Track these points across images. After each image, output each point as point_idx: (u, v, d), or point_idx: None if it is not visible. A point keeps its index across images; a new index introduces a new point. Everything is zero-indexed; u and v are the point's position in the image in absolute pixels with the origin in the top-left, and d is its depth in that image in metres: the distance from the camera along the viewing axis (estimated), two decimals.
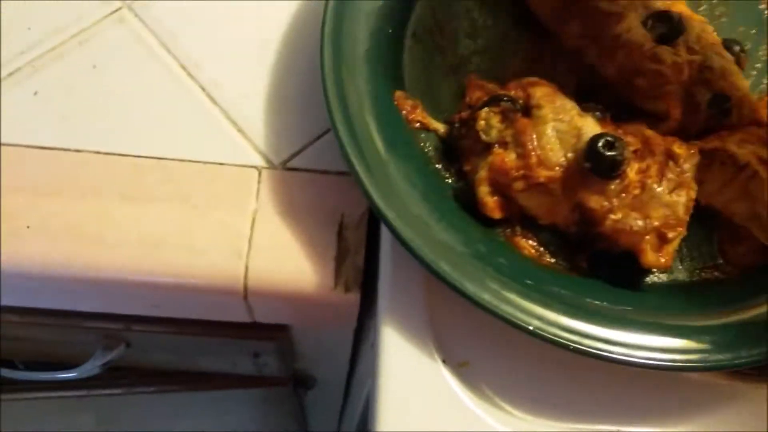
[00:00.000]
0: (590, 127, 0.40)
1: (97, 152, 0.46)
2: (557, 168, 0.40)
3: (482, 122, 0.42)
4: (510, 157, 0.40)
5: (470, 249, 0.40)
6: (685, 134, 0.43)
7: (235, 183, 0.46)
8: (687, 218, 0.40)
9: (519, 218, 0.42)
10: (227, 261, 0.44)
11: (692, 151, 0.40)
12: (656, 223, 0.39)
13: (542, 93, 0.42)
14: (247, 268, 0.44)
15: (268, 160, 0.47)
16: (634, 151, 0.40)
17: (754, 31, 0.51)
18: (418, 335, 0.41)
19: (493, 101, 0.42)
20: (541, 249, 0.42)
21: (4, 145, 0.46)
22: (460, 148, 0.44)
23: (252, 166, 0.47)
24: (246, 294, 0.44)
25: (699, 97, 0.44)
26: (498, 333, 0.40)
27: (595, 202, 0.39)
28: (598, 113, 0.42)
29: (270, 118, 0.48)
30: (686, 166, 0.40)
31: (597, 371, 0.40)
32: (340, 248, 0.44)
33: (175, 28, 0.51)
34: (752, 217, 0.43)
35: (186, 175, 0.46)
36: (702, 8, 0.51)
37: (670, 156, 0.40)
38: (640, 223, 0.38)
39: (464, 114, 0.44)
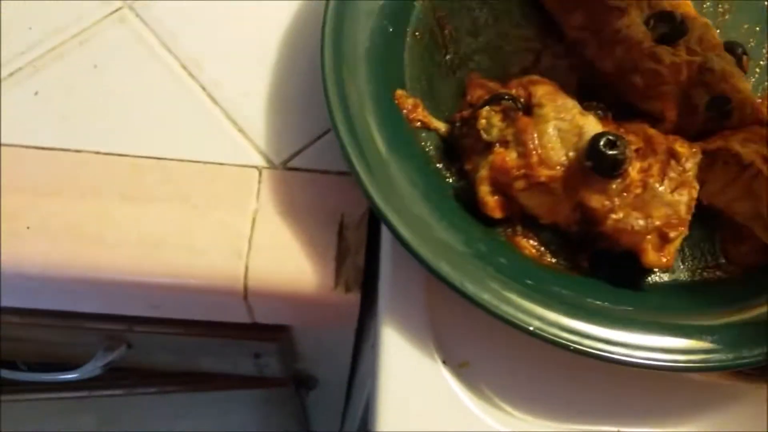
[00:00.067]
0: (592, 125, 0.40)
1: (97, 152, 0.46)
2: (558, 167, 0.40)
3: (483, 121, 0.42)
4: (511, 156, 0.40)
5: (471, 249, 0.40)
6: (683, 135, 0.42)
7: (236, 183, 0.46)
8: (689, 218, 0.40)
9: (520, 218, 0.42)
10: (227, 261, 0.44)
11: (694, 150, 0.40)
12: (658, 223, 0.38)
13: (543, 91, 0.42)
14: (247, 268, 0.43)
15: (268, 160, 0.47)
16: (636, 150, 0.40)
17: (758, 28, 0.51)
18: (418, 335, 0.40)
19: (495, 100, 0.42)
20: (542, 249, 0.42)
21: (4, 145, 0.46)
22: (461, 147, 0.44)
23: (252, 166, 0.47)
24: (246, 294, 0.44)
25: (697, 99, 0.43)
26: (498, 333, 0.40)
27: (596, 201, 0.39)
28: (599, 112, 0.42)
29: (270, 118, 0.48)
30: (688, 165, 0.39)
31: (598, 371, 0.40)
32: (340, 248, 0.44)
33: (175, 28, 0.51)
34: (755, 216, 0.43)
35: (186, 175, 0.46)
36: (707, 5, 0.51)
37: (672, 155, 0.40)
38: (641, 222, 0.38)
39: (465, 113, 0.44)
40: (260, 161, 0.47)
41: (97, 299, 0.48)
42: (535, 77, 0.44)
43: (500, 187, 0.41)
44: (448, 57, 0.47)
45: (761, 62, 0.49)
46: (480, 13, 0.49)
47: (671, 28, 0.45)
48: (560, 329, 0.38)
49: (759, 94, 0.48)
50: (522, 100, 0.42)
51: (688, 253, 0.43)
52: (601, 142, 0.38)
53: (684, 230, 0.39)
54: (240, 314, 0.47)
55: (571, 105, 0.41)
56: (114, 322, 0.54)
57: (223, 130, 0.48)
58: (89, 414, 0.77)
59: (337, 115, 0.41)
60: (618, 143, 0.38)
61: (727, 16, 0.51)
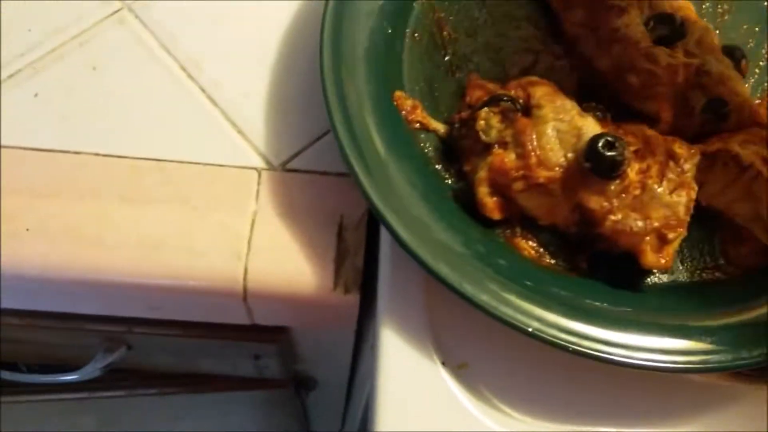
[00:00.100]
0: (590, 127, 0.40)
1: (97, 154, 0.46)
2: (557, 168, 0.40)
3: (482, 122, 0.42)
4: (510, 158, 0.40)
5: (470, 250, 0.40)
6: (680, 137, 0.42)
7: (235, 184, 0.46)
8: (687, 219, 0.39)
9: (519, 219, 0.42)
10: (226, 262, 0.44)
11: (693, 151, 0.40)
12: (656, 224, 0.38)
13: (542, 93, 0.42)
14: (246, 269, 0.43)
15: (267, 162, 0.47)
16: (635, 151, 0.40)
17: (757, 29, 0.51)
18: (417, 337, 0.40)
19: (493, 101, 0.42)
20: (541, 250, 0.42)
21: (4, 147, 0.46)
22: (459, 149, 0.43)
23: (252, 168, 0.47)
24: (245, 295, 0.44)
25: (693, 102, 0.43)
26: (497, 334, 0.40)
27: (595, 202, 0.39)
28: (598, 113, 0.42)
29: (270, 119, 0.48)
30: (687, 166, 0.39)
31: (597, 372, 0.40)
32: (339, 249, 0.44)
33: (175, 29, 0.51)
34: (755, 218, 0.43)
35: (185, 177, 0.46)
36: (706, 5, 0.51)
37: (671, 156, 0.39)
38: (640, 223, 0.38)
39: (464, 114, 0.44)
40: (259, 163, 0.47)
41: (96, 301, 0.48)
42: (534, 78, 0.44)
43: (499, 188, 0.41)
44: (447, 58, 0.47)
45: (761, 63, 0.49)
46: (479, 14, 0.49)
47: (670, 30, 0.45)
48: (559, 330, 0.38)
49: (758, 95, 0.48)
50: (521, 101, 0.42)
51: (687, 254, 0.43)
52: (600, 144, 0.38)
53: (682, 231, 0.39)
54: (239, 316, 0.47)
55: (570, 106, 0.41)
56: (114, 323, 0.54)
57: (223, 132, 0.48)
58: (89, 415, 0.77)
59: (336, 116, 0.41)
60: (616, 144, 0.38)
61: (726, 17, 0.51)
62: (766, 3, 0.51)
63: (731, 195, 0.43)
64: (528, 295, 0.39)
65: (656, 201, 0.39)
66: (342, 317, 0.47)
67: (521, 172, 0.40)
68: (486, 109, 0.42)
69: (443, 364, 0.40)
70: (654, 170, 0.39)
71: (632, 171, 0.39)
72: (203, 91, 0.49)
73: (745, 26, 0.50)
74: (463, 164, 0.43)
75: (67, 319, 0.53)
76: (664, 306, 0.41)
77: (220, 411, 0.77)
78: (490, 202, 0.41)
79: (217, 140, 0.47)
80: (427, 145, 0.44)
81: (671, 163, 0.39)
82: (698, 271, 0.43)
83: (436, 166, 0.44)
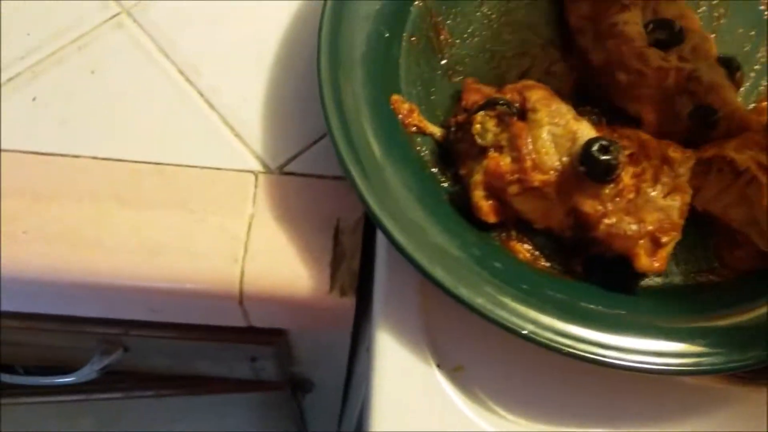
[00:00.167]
0: (585, 130, 0.40)
1: (95, 157, 0.46)
2: (552, 172, 0.40)
3: (478, 126, 0.42)
4: (505, 161, 0.40)
5: (465, 253, 0.40)
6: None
7: (232, 188, 0.46)
8: (682, 222, 0.40)
9: (514, 222, 0.42)
10: (223, 265, 0.44)
11: (687, 155, 0.40)
12: (650, 228, 0.38)
13: (538, 96, 0.42)
14: (243, 272, 0.44)
15: (265, 165, 0.47)
16: (629, 155, 0.40)
17: (753, 32, 0.51)
18: (413, 339, 0.41)
19: (489, 105, 0.42)
20: (536, 253, 0.42)
21: (3, 150, 0.46)
22: (455, 152, 0.44)
23: (249, 171, 0.47)
24: (242, 298, 0.44)
25: (680, 107, 0.44)
26: (493, 337, 0.40)
27: (589, 206, 0.39)
28: (593, 117, 0.42)
29: (267, 123, 0.49)
30: (681, 170, 0.40)
31: (591, 375, 0.40)
32: (335, 253, 0.44)
33: (173, 33, 0.51)
34: (750, 222, 0.43)
35: (183, 180, 0.46)
36: (701, 9, 0.51)
37: (666, 160, 0.40)
38: (634, 227, 0.38)
39: (460, 117, 0.44)
40: (257, 166, 0.47)
41: (94, 303, 0.49)
42: (529, 82, 0.44)
43: (494, 191, 0.41)
44: (443, 62, 0.47)
45: (756, 67, 0.49)
46: (475, 18, 0.49)
47: (668, 35, 0.45)
48: (554, 333, 0.38)
49: (754, 99, 0.48)
50: (517, 105, 0.42)
51: (681, 257, 0.43)
52: (595, 147, 0.38)
53: (677, 235, 0.39)
54: (236, 318, 0.47)
55: (565, 110, 0.41)
56: (110, 325, 0.54)
57: (220, 135, 0.48)
58: (87, 417, 0.77)
59: (333, 119, 0.42)
60: (611, 148, 0.38)
61: (722, 21, 0.51)
62: (761, 7, 0.51)
63: (726, 200, 0.43)
64: (523, 298, 0.39)
65: (650, 205, 0.39)
66: (338, 320, 0.47)
67: (516, 176, 0.40)
68: (482, 112, 0.42)
69: (439, 366, 0.40)
70: (648, 174, 0.39)
71: (627, 175, 0.39)
72: (201, 94, 0.49)
73: (740, 30, 0.51)
74: (459, 168, 0.43)
75: (64, 321, 0.53)
76: (658, 308, 0.41)
77: (217, 413, 0.77)
78: (485, 206, 0.41)
79: (215, 144, 0.48)
80: (424, 149, 0.44)
81: (665, 167, 0.40)
82: (692, 274, 0.43)
83: (433, 170, 0.44)
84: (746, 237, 0.43)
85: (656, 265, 0.39)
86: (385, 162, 0.42)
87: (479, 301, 0.38)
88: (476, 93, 0.44)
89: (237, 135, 0.48)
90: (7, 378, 0.62)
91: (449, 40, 0.48)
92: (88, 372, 0.58)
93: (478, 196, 0.41)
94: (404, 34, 0.47)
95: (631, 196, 0.39)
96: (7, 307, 0.48)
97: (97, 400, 0.68)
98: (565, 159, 0.40)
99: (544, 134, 0.40)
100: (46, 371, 0.63)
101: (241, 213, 0.45)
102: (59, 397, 0.68)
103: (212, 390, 0.68)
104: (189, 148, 0.47)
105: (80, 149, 0.47)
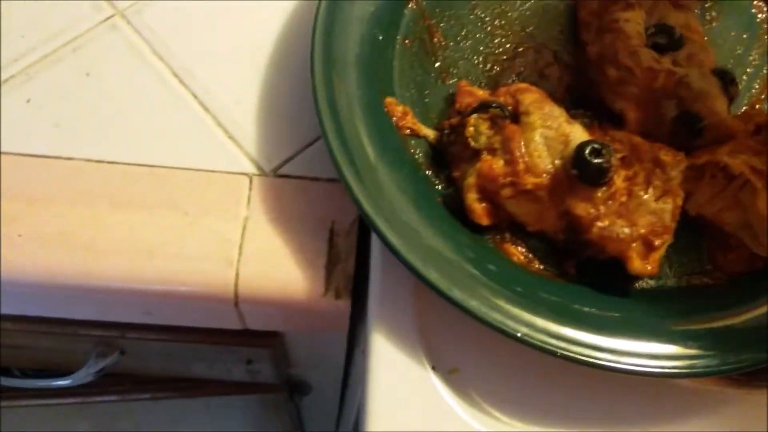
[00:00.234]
0: (578, 134, 0.40)
1: (89, 160, 0.46)
2: (544, 175, 0.40)
3: (471, 128, 0.42)
4: (498, 164, 0.40)
5: (459, 256, 0.40)
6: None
7: (226, 190, 0.46)
8: (674, 225, 0.40)
9: (508, 225, 0.42)
10: (218, 268, 0.44)
11: (679, 158, 0.40)
12: (643, 231, 0.39)
13: (531, 99, 0.42)
14: (237, 275, 0.44)
15: (259, 167, 0.47)
16: (621, 159, 0.40)
17: (745, 35, 0.51)
18: (407, 342, 0.41)
19: (482, 107, 0.42)
20: (530, 255, 0.42)
21: None
22: (449, 155, 0.44)
23: (243, 174, 0.47)
24: (237, 301, 0.44)
25: (665, 110, 0.44)
26: (487, 339, 0.40)
27: (581, 209, 0.39)
28: (586, 120, 0.42)
29: (261, 125, 0.49)
30: (673, 173, 0.40)
31: (586, 377, 0.40)
32: (330, 255, 0.44)
33: (167, 36, 0.51)
34: (744, 225, 0.43)
35: (177, 183, 0.46)
36: (695, 12, 0.51)
37: (657, 163, 0.40)
38: (626, 230, 0.38)
39: (454, 120, 0.44)
40: (251, 168, 0.47)
41: (89, 306, 0.49)
42: (523, 85, 0.44)
43: (487, 194, 0.41)
44: (437, 64, 0.47)
45: (748, 70, 0.49)
46: (469, 21, 0.49)
47: (667, 41, 0.45)
48: (548, 335, 0.38)
49: (746, 102, 0.48)
50: (509, 107, 0.42)
51: (675, 260, 0.43)
52: (587, 151, 0.38)
53: (669, 238, 0.39)
54: (231, 321, 0.47)
55: (558, 113, 0.41)
56: (107, 328, 0.54)
57: (214, 138, 0.48)
58: (84, 420, 0.77)
59: (327, 122, 0.42)
60: (603, 151, 0.38)
61: (714, 24, 0.51)
62: (753, 10, 0.51)
63: (719, 204, 0.43)
64: (517, 301, 0.39)
65: (643, 208, 0.39)
66: (333, 322, 0.47)
67: (509, 179, 0.40)
68: (475, 115, 0.42)
69: (434, 368, 0.40)
70: (640, 177, 0.39)
71: (619, 178, 0.39)
72: (195, 96, 0.49)
73: (732, 33, 0.51)
74: (453, 170, 0.43)
75: (60, 324, 0.53)
76: (651, 311, 0.41)
77: (214, 415, 0.77)
78: (478, 208, 0.41)
79: (209, 146, 0.47)
80: (418, 151, 0.44)
81: (657, 170, 0.40)
82: (686, 277, 0.43)
83: (426, 172, 0.44)
84: (739, 240, 0.43)
85: (649, 268, 0.39)
86: (378, 164, 0.42)
87: (473, 304, 0.38)
88: (469, 96, 0.44)
89: (231, 137, 0.48)
90: (4, 381, 0.62)
91: (443, 43, 0.48)
92: (84, 375, 0.58)
93: (472, 198, 0.41)
94: (398, 37, 0.48)
95: (624, 199, 0.39)
96: (3, 309, 0.48)
97: (93, 402, 0.68)
98: (557, 162, 0.40)
99: (537, 137, 0.40)
100: (42, 374, 0.62)
101: (236, 215, 0.45)
102: (56, 399, 0.67)
103: (209, 392, 0.68)
104: (183, 150, 0.47)
105: (74, 151, 0.47)
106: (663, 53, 0.45)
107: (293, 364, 0.63)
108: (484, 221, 0.41)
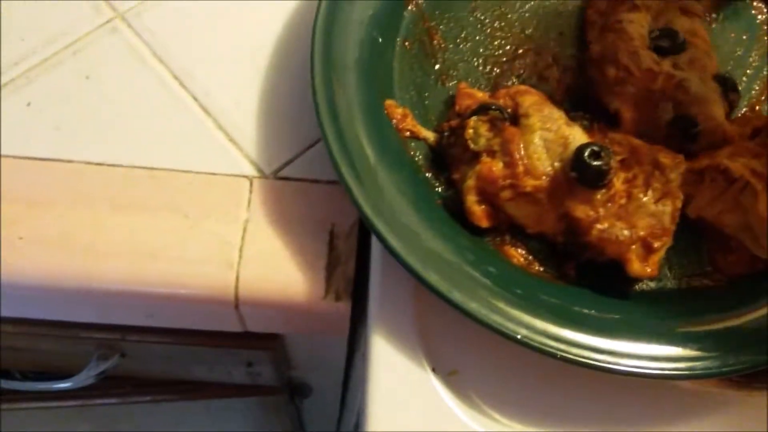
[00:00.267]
0: (577, 136, 0.40)
1: (89, 162, 0.47)
2: (544, 177, 0.40)
3: (471, 131, 0.42)
4: (497, 166, 0.40)
5: (459, 258, 0.40)
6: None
7: (227, 193, 0.46)
8: (673, 228, 0.40)
9: (507, 227, 0.42)
10: (218, 271, 0.44)
11: (678, 160, 0.40)
12: (642, 233, 0.39)
13: (531, 102, 0.42)
14: (238, 277, 0.44)
15: (259, 170, 0.47)
16: (621, 161, 0.40)
17: (745, 37, 0.51)
18: (407, 344, 0.41)
19: (482, 110, 0.42)
20: (530, 257, 0.42)
21: None
22: (449, 157, 0.44)
23: (243, 176, 0.47)
24: (237, 303, 0.44)
25: (661, 112, 0.44)
26: (487, 341, 0.40)
27: (581, 211, 0.39)
28: (585, 122, 0.42)
29: (262, 128, 0.49)
30: (672, 175, 0.40)
31: (585, 379, 0.40)
32: (330, 257, 0.44)
33: (167, 38, 0.51)
34: (744, 228, 0.43)
35: (178, 185, 0.46)
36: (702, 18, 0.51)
37: (657, 165, 0.40)
38: (626, 232, 0.39)
39: (453, 122, 0.44)
40: (251, 171, 0.47)
41: (89, 308, 0.49)
42: (522, 87, 0.44)
43: (487, 196, 0.41)
44: (437, 66, 0.48)
45: (748, 71, 0.49)
46: (468, 23, 0.49)
47: (670, 44, 0.45)
48: (548, 337, 0.38)
49: (745, 102, 0.48)
50: (509, 110, 0.42)
51: (674, 262, 0.43)
52: (586, 153, 0.38)
53: (668, 240, 0.40)
54: (232, 323, 0.47)
55: (557, 115, 0.41)
56: (107, 331, 0.54)
57: (214, 140, 0.48)
58: (85, 423, 0.77)
59: (327, 124, 0.42)
60: (602, 154, 0.38)
61: (714, 26, 0.51)
62: (753, 11, 0.51)
63: (720, 207, 0.43)
64: (517, 303, 0.39)
65: (642, 210, 0.39)
66: (333, 324, 0.47)
67: (509, 181, 0.40)
68: (475, 117, 0.42)
69: (433, 370, 0.40)
70: (640, 179, 0.39)
71: (618, 180, 0.39)
72: (195, 99, 0.49)
73: (732, 35, 0.51)
74: (452, 172, 0.43)
75: (60, 326, 0.53)
76: (651, 313, 0.41)
77: (215, 418, 0.77)
78: (478, 210, 0.41)
79: (209, 149, 0.48)
80: (417, 154, 0.45)
81: (657, 173, 0.40)
82: (685, 279, 0.43)
83: (426, 174, 0.44)
84: (739, 242, 0.43)
85: (648, 270, 0.39)
86: (378, 166, 0.42)
87: (473, 306, 0.38)
88: (469, 98, 0.44)
89: (231, 140, 0.48)
90: (5, 383, 0.62)
91: (442, 45, 0.48)
92: (85, 377, 0.58)
93: (471, 200, 0.41)
94: (398, 39, 0.48)
95: (623, 201, 0.39)
96: (4, 312, 0.48)
97: (94, 405, 0.68)
98: (557, 164, 0.40)
99: (536, 139, 0.40)
100: (43, 376, 0.62)
101: (236, 218, 0.45)
102: (57, 402, 0.67)
103: (209, 395, 0.68)
104: (183, 153, 0.47)
105: (75, 154, 0.47)
106: (665, 56, 0.45)
107: (294, 367, 0.63)
108: (484, 223, 0.41)
